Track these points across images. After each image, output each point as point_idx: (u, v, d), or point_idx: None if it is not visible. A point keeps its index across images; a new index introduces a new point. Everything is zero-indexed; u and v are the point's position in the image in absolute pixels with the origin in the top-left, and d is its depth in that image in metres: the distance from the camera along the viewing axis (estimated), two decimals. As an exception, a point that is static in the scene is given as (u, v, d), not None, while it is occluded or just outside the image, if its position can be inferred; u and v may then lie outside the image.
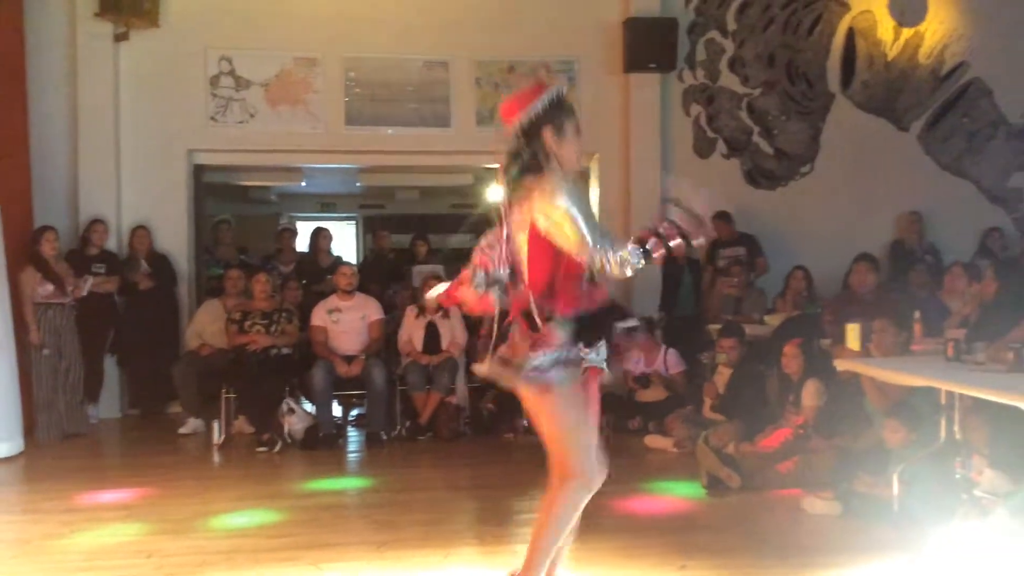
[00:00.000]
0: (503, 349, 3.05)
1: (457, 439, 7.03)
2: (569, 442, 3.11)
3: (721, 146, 9.02)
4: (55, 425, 7.01)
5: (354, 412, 7.91)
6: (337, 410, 7.64)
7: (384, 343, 7.40)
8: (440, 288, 3.41)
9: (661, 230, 2.91)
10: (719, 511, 5.04)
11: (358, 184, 11.81)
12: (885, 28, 9.16)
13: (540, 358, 2.96)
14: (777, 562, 4.05)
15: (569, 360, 3.01)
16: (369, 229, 12.73)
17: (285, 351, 7.23)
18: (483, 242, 3.21)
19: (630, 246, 2.88)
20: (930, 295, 7.05)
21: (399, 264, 9.12)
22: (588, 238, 2.88)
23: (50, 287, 7.02)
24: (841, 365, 5.22)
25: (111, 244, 8.03)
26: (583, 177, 8.53)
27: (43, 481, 5.88)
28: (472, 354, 7.34)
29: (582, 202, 2.95)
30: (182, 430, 7.25)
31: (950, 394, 4.46)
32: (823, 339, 6.49)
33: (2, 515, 5.09)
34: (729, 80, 9.02)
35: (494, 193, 3.19)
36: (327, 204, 13.70)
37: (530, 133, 3.06)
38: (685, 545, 4.29)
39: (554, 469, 3.16)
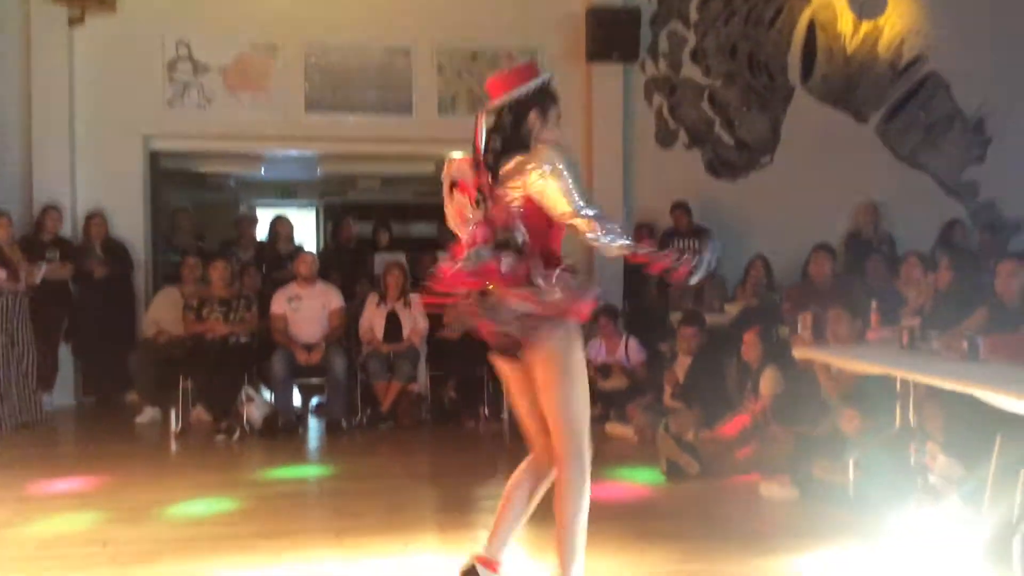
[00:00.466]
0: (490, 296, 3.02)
1: (418, 427, 7.02)
2: (567, 417, 3.11)
3: (683, 136, 9.07)
4: (9, 414, 6.88)
5: (314, 400, 7.86)
6: (297, 398, 7.59)
7: (345, 331, 7.36)
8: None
9: (662, 252, 2.97)
10: (678, 497, 5.09)
11: (318, 172, 11.71)
12: (845, 21, 9.25)
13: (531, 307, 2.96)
14: (735, 546, 4.09)
15: (569, 327, 3.04)
16: (330, 217, 12.61)
17: (244, 339, 7.16)
18: (471, 216, 3.12)
19: (623, 232, 2.92)
20: (886, 284, 7.14)
21: (361, 253, 9.07)
22: (578, 202, 2.91)
23: (2, 273, 6.88)
24: (799, 353, 5.27)
25: (66, 231, 7.90)
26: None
27: (-5, 470, 5.78)
28: (434, 342, 7.36)
29: (575, 170, 2.97)
30: (139, 419, 7.15)
31: (905, 382, 4.53)
32: (782, 327, 6.55)
33: (-47, 505, 4.99)
34: (691, 71, 9.06)
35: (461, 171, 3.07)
36: (287, 192, 13.55)
37: (516, 112, 3.08)
38: (644, 531, 4.32)
39: (543, 454, 3.16)
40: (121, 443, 6.59)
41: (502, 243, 3.03)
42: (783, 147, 9.19)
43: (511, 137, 3.08)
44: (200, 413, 7.12)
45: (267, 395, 7.13)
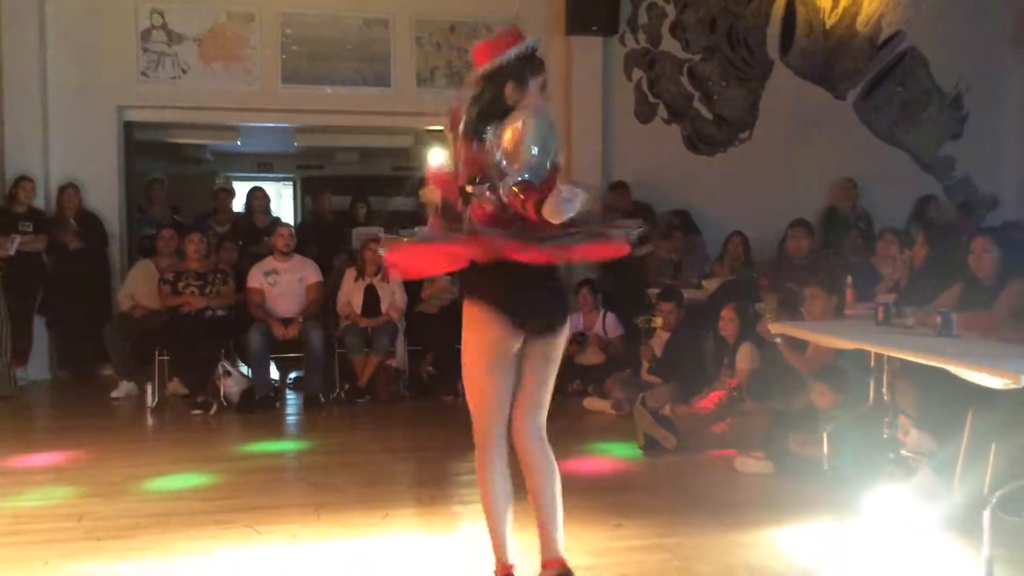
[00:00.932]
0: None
1: (396, 402, 7.03)
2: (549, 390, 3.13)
3: (662, 111, 9.04)
4: (-19, 388, 6.84)
5: (292, 375, 7.84)
6: (274, 373, 7.57)
7: (322, 306, 7.33)
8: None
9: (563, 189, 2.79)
10: (655, 471, 5.13)
11: (296, 144, 11.62)
12: (824, -5, 9.24)
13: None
14: (711, 520, 4.13)
15: None
16: (308, 190, 12.53)
17: (220, 313, 7.11)
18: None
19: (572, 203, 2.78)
20: (862, 261, 7.18)
21: (339, 226, 9.02)
22: (525, 162, 2.79)
23: (-26, 246, 6.81)
24: (776, 329, 5.30)
25: (39, 202, 7.81)
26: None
27: (-31, 445, 5.73)
28: (412, 317, 7.35)
29: (543, 134, 2.85)
30: (114, 394, 7.11)
31: (879, 357, 4.57)
32: (758, 303, 6.58)
33: (-75, 480, 4.95)
34: (670, 45, 9.02)
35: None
36: (264, 164, 13.44)
37: (493, 81, 3.01)
38: (621, 504, 4.35)
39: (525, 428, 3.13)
40: (97, 418, 6.56)
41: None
42: (761, 122, 9.19)
43: (487, 107, 2.99)
44: (176, 387, 7.08)
45: (244, 369, 7.10)
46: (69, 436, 5.90)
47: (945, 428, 4.17)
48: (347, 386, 7.10)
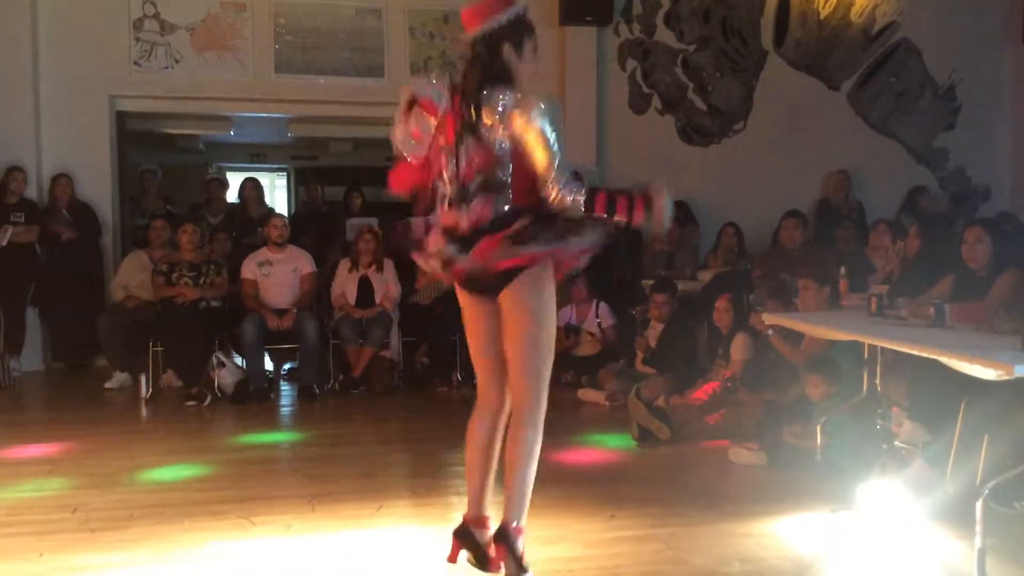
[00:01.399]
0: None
1: (390, 393, 7.02)
2: (534, 361, 3.09)
3: (656, 102, 9.04)
4: (-26, 379, 6.82)
5: (286, 366, 7.83)
6: (269, 364, 7.56)
7: (316, 296, 7.32)
8: None
9: (614, 196, 2.90)
10: (649, 462, 5.13)
11: (289, 135, 11.59)
12: (818, -15, 9.24)
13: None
14: (704, 511, 4.14)
15: (548, 269, 3.04)
16: (301, 181, 12.51)
17: (214, 304, 7.10)
18: (440, 143, 3.08)
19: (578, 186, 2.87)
20: (856, 252, 7.20)
21: (333, 217, 9.00)
22: (555, 165, 2.86)
23: (-34, 236, 6.78)
24: (769, 319, 5.31)
25: (31, 192, 7.78)
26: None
27: (-38, 436, 5.72)
28: (406, 308, 7.34)
29: (557, 124, 2.89)
30: (108, 385, 7.09)
31: (872, 348, 4.58)
32: (752, 294, 6.59)
33: (-81, 471, 4.94)
34: (665, 35, 9.02)
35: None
36: (257, 155, 13.41)
37: (490, 45, 3.00)
38: (615, 496, 4.35)
39: (496, 399, 3.14)
40: (91, 409, 6.54)
41: (489, 183, 2.97)
42: (756, 114, 9.19)
43: (488, 69, 2.99)
44: (170, 378, 7.08)
45: (238, 360, 7.09)
46: (63, 427, 5.89)
47: (938, 419, 4.18)
48: (341, 377, 7.10)
